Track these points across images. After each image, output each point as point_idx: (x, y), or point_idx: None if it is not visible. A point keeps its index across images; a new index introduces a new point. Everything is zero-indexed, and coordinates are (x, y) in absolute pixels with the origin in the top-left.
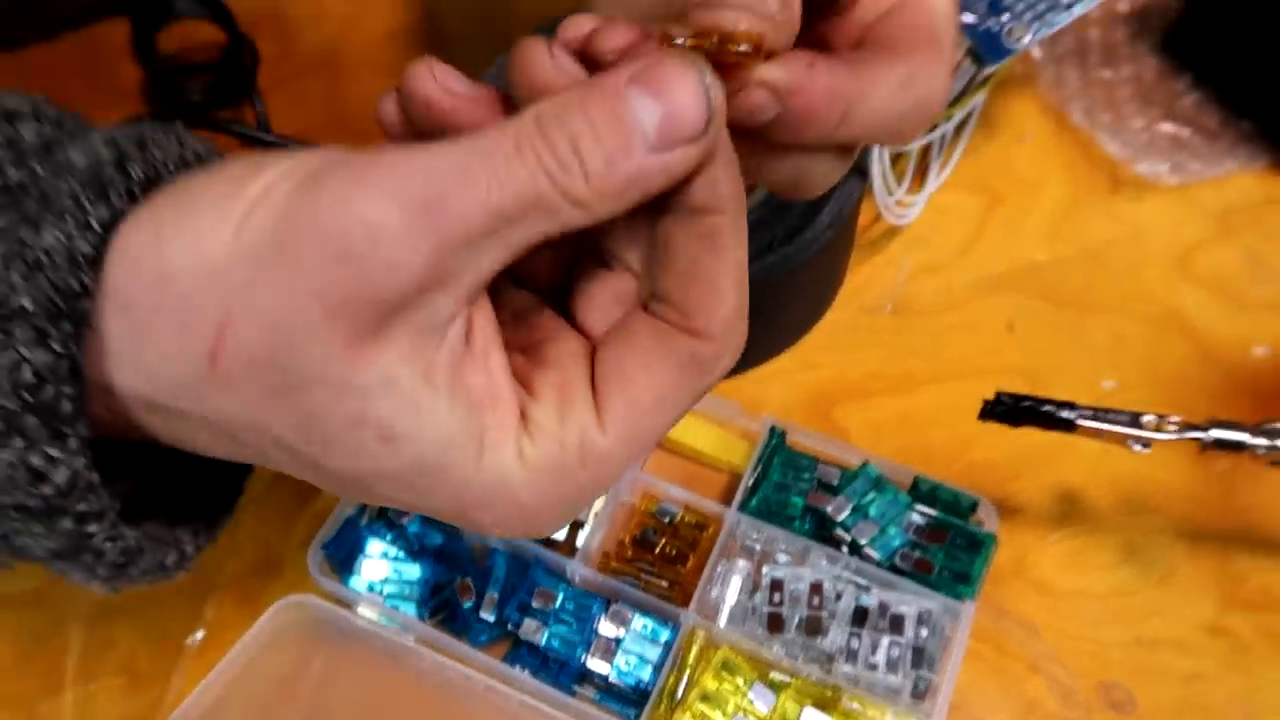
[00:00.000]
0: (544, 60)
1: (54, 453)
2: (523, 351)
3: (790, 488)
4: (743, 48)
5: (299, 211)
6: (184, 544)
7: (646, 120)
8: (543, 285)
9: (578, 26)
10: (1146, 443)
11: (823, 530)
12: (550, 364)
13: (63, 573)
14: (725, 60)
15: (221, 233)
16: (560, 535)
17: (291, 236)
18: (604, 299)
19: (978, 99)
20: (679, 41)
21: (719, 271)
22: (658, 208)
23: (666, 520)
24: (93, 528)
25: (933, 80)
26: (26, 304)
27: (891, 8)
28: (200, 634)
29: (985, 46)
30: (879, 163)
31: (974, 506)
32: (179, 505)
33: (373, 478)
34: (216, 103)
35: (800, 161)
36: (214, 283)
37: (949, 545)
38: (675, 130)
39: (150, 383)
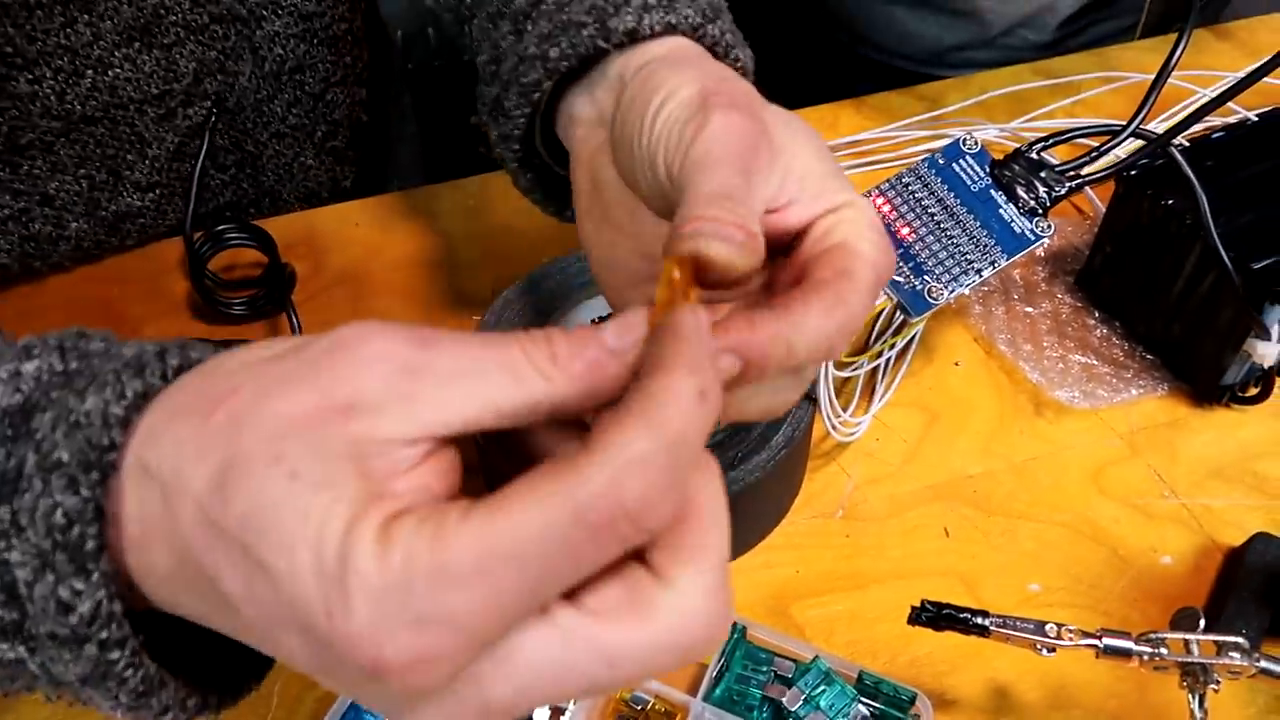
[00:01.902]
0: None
1: (79, 585)
2: None
3: (750, 679)
4: (714, 275)
5: None
6: (207, 694)
7: (610, 334)
8: None
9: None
10: (1051, 648)
11: None
12: None
13: (90, 701)
14: (704, 284)
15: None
16: None
17: None
18: None
19: (918, 329)
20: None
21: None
22: None
23: (640, 708)
24: (115, 654)
25: (849, 306)
26: (64, 456)
27: (827, 248)
28: None
29: (911, 302)
30: (825, 393)
31: (912, 700)
32: (211, 672)
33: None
34: (256, 315)
35: (763, 394)
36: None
37: None
38: (627, 333)
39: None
